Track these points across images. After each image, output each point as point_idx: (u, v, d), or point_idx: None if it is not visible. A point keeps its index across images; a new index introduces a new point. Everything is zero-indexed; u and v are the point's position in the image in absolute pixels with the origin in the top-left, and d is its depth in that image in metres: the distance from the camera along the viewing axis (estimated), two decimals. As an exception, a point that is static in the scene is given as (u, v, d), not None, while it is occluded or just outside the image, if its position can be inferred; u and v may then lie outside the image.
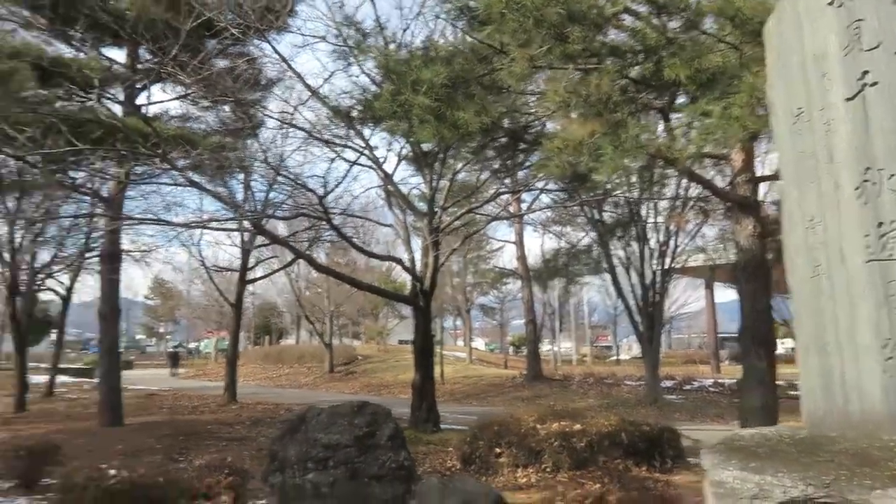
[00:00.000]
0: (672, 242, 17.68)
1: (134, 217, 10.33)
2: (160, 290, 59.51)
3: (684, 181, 14.54)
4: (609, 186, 11.25)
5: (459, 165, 12.33)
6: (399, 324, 42.24)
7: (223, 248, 44.03)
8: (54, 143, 9.76)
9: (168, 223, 10.64)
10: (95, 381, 29.55)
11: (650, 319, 17.44)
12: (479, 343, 51.28)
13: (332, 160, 10.76)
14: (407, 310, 42.70)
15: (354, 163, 12.07)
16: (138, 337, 69.28)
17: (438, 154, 11.72)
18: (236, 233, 19.03)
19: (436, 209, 12.22)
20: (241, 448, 11.05)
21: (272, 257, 22.50)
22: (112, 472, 5.60)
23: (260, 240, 19.36)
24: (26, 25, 12.99)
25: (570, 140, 5.93)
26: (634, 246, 17.79)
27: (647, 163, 9.72)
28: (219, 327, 43.67)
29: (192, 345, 59.32)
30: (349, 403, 6.24)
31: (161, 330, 66.20)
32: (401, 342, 42.63)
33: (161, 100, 14.49)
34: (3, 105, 9.51)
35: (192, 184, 9.64)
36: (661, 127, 7.07)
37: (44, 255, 19.45)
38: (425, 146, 11.37)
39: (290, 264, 22.31)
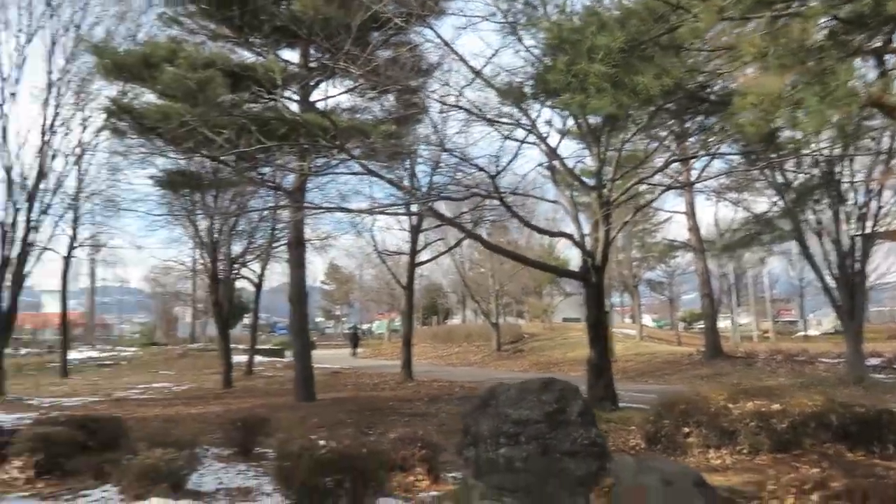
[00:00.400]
0: (874, 203, 15.76)
1: (318, 206, 11.06)
2: (334, 276, 63.83)
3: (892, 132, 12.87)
4: (802, 143, 10.18)
5: (628, 135, 11.83)
6: (563, 301, 41.80)
7: (393, 232, 46.36)
8: (246, 142, 10.62)
9: (348, 210, 11.31)
10: (286, 360, 32.44)
11: (850, 290, 15.71)
12: (647, 320, 49.45)
13: (505, 138, 10.72)
14: (571, 287, 42.14)
15: (523, 141, 12.00)
16: (318, 319, 74.83)
17: (605, 126, 11.32)
18: (405, 217, 19.82)
19: (604, 182, 11.84)
20: (423, 423, 11.50)
21: (438, 240, 23.18)
22: (321, 442, 6.04)
23: (428, 223, 20.04)
24: (213, 37, 14.31)
25: (766, 94, 5.41)
26: (827, 209, 16.09)
27: (855, 114, 8.68)
28: (390, 309, 45.92)
29: (365, 326, 62.92)
30: (537, 380, 6.22)
31: (337, 313, 70.90)
32: (565, 320, 42.22)
33: (331, 95, 15.35)
34: (203, 111, 10.48)
35: (368, 171, 10.12)
36: (872, 74, 6.26)
37: (237, 247, 21.56)
38: (592, 119, 11.04)
39: (457, 245, 22.88)
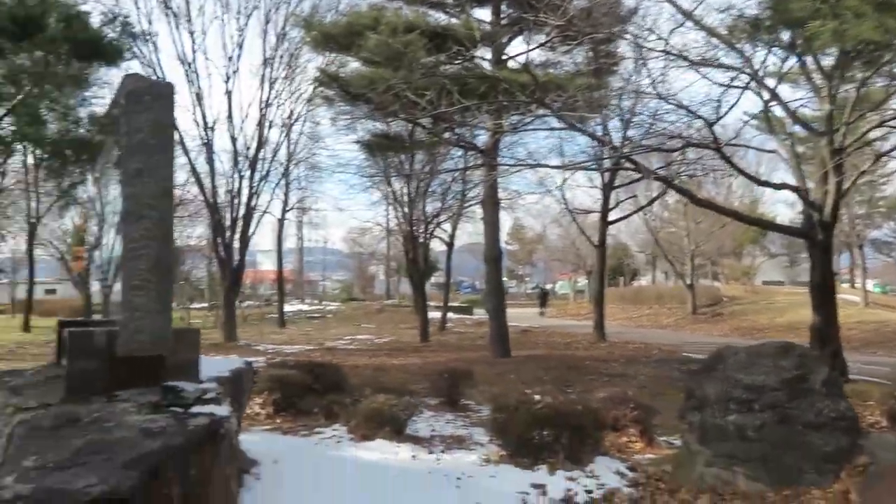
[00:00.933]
0: None
1: (519, 161, 10.93)
2: (518, 236, 64.25)
3: None
4: None
5: (868, 73, 10.23)
6: (764, 262, 38.45)
7: (583, 190, 45.38)
8: (447, 103, 10.76)
9: (547, 166, 11.12)
10: (474, 317, 33.41)
11: None
12: (868, 284, 43.89)
13: (728, 85, 9.70)
14: (776, 247, 38.59)
15: (730, 86, 10.91)
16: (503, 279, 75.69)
17: (841, 62, 9.87)
18: (596, 175, 19.22)
19: (836, 127, 10.43)
20: (623, 384, 11.18)
21: (630, 197, 22.24)
22: (536, 397, 6.04)
23: (620, 179, 19.26)
24: (409, 1, 14.62)
25: None
26: None
27: None
28: (575, 269, 45.29)
29: (548, 286, 62.81)
30: (770, 344, 5.70)
31: (520, 273, 71.48)
32: (765, 283, 38.90)
33: (520, 53, 15.09)
34: (406, 74, 10.76)
35: (571, 126, 9.82)
36: None
37: (430, 208, 22.30)
38: (823, 55, 9.70)
39: (653, 201, 21.81)
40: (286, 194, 25.50)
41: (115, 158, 4.10)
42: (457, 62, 12.89)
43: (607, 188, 18.81)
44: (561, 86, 11.42)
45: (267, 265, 60.31)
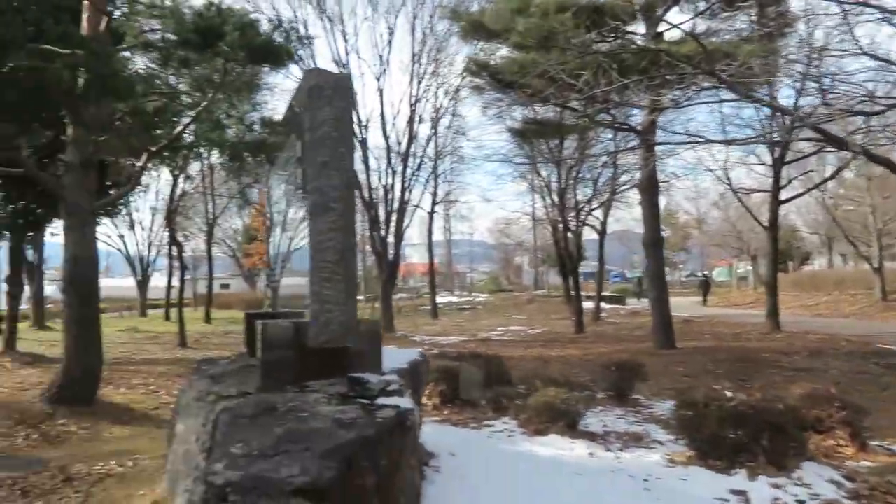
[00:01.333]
0: None
1: (693, 137, 10.12)
2: (670, 221, 61.22)
3: None
4: None
5: None
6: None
7: (746, 169, 42.23)
8: (606, 82, 10.25)
9: (715, 141, 10.20)
10: (627, 307, 32.21)
11: None
12: None
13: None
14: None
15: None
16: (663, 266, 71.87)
17: None
18: (764, 150, 17.65)
19: None
20: (811, 379, 10.10)
21: (805, 173, 20.21)
22: (728, 394, 5.52)
23: (792, 154, 17.55)
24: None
25: None
26: None
27: None
28: (737, 254, 42.28)
29: (703, 273, 59.20)
30: None
31: (673, 260, 68.08)
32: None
33: (679, 22, 14.10)
34: (560, 56, 10.37)
35: (747, 96, 8.95)
36: None
37: (580, 195, 21.66)
38: None
39: (836, 174, 19.65)
40: (435, 188, 26.00)
41: (297, 154, 4.17)
42: (611, 39, 12.29)
43: (778, 164, 17.17)
44: (729, 53, 10.50)
45: (415, 258, 62.17)
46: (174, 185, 16.53)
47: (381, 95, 19.27)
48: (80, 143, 8.11)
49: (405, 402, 4.04)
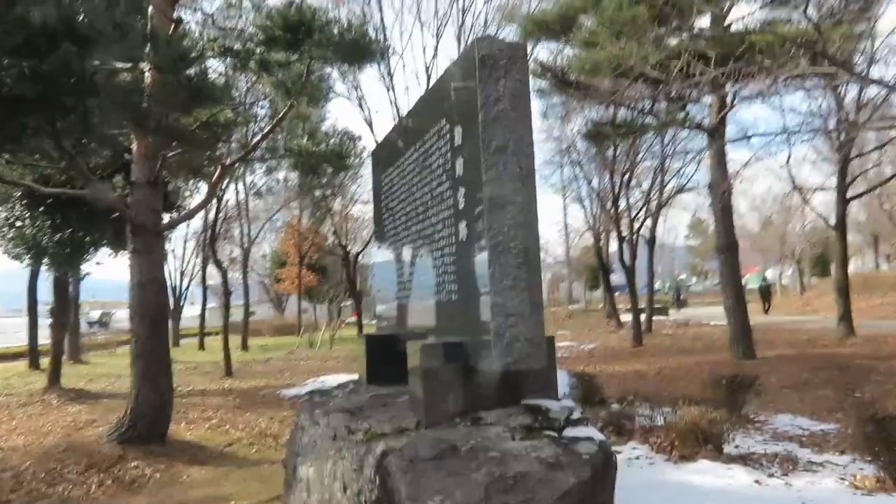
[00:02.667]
0: None
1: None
2: (699, 229, 60.10)
3: None
4: None
5: None
6: None
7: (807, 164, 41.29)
8: (682, 76, 9.59)
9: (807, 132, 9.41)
10: (669, 318, 31.16)
11: None
12: None
13: None
14: None
15: None
16: (681, 277, 71.04)
17: None
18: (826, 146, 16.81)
19: None
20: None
21: (870, 168, 19.27)
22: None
23: (857, 149, 16.71)
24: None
25: None
26: None
27: None
28: (781, 258, 41.11)
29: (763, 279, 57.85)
30: None
31: (706, 268, 66.83)
32: None
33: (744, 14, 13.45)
34: (639, 49, 9.71)
35: (861, 77, 8.22)
36: None
37: (629, 201, 20.84)
38: None
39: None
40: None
41: (457, 142, 3.52)
42: (680, 31, 11.64)
43: (844, 160, 16.31)
44: (811, 40, 9.81)
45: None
46: (218, 205, 15.86)
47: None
48: (147, 160, 7.57)
49: (596, 433, 3.34)
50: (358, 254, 23.32)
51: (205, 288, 27.96)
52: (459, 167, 3.51)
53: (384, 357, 4.78)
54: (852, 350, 14.21)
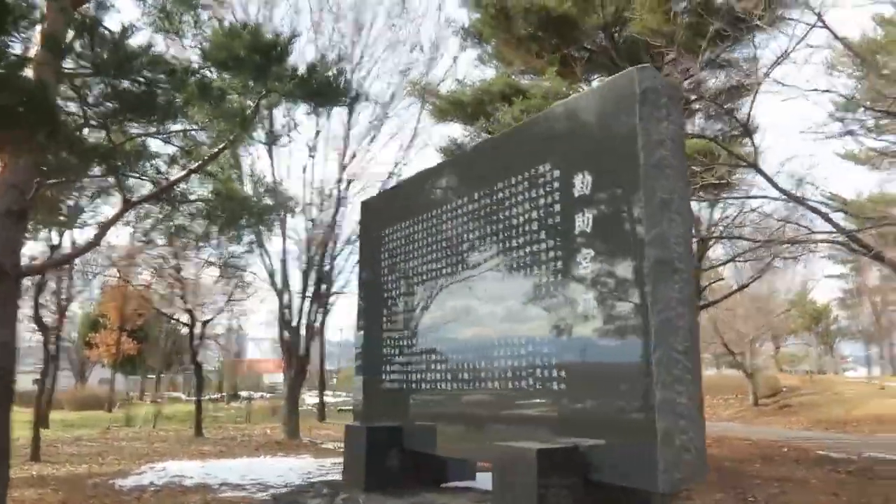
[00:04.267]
0: None
1: None
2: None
3: None
4: None
5: None
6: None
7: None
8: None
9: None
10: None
11: None
12: None
13: None
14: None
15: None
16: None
17: None
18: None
19: None
20: (808, 490, 9.64)
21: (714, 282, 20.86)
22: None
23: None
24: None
25: None
26: None
27: None
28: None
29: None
30: None
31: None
32: (809, 372, 37.48)
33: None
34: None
35: None
36: None
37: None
38: None
39: (752, 281, 20.30)
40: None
41: (584, 191, 2.84)
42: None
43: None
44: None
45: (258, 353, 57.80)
46: (52, 250, 13.03)
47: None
48: (12, 186, 5.95)
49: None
50: (206, 322, 20.94)
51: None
52: (583, 222, 2.82)
53: (387, 456, 3.77)
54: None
